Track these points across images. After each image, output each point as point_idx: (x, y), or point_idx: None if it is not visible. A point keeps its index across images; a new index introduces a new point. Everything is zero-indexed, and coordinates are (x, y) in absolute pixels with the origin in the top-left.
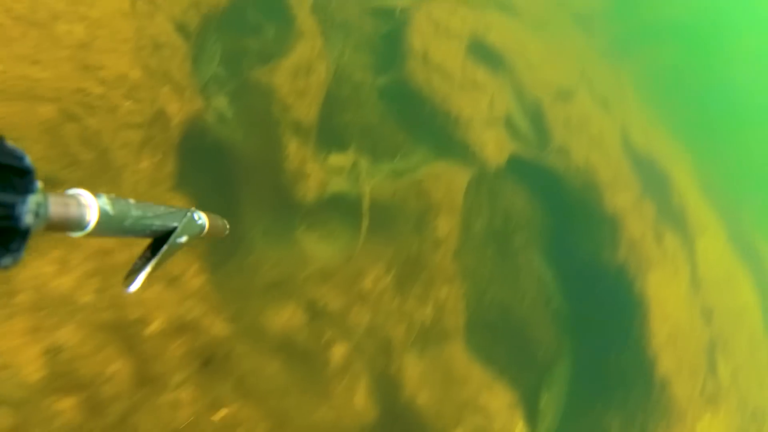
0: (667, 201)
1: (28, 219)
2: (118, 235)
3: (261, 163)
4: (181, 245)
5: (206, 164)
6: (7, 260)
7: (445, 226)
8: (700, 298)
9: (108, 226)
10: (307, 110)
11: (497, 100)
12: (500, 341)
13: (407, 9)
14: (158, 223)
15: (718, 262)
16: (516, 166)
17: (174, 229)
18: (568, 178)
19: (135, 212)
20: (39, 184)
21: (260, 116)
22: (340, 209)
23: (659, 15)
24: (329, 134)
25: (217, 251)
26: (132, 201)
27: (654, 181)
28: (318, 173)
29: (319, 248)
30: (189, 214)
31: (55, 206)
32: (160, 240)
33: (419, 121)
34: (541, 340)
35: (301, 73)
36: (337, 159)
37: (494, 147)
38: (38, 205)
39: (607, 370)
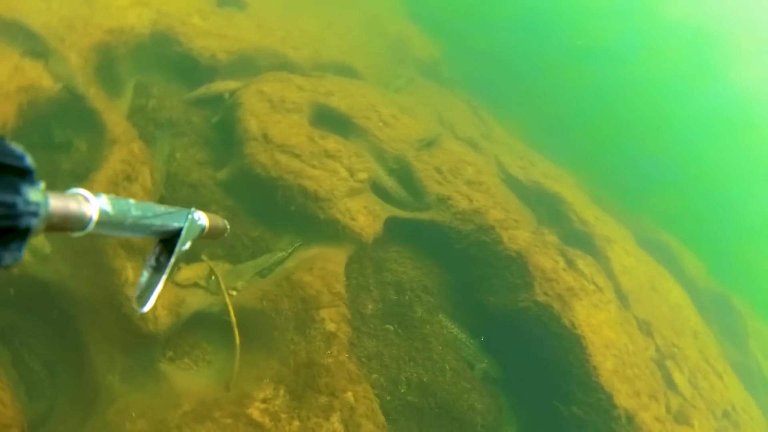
0: (567, 224)
1: (28, 219)
2: (118, 235)
3: (98, 298)
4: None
5: (36, 313)
6: (7, 260)
7: (332, 317)
8: (632, 312)
9: (108, 225)
10: None
11: (356, 166)
12: (432, 426)
13: (235, 91)
14: (158, 223)
15: (636, 269)
16: (395, 230)
17: (173, 230)
18: (456, 227)
19: (135, 212)
20: (39, 184)
21: (83, 244)
22: (204, 328)
23: (497, 45)
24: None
25: (74, 408)
26: (132, 201)
27: (546, 208)
28: (168, 293)
29: (190, 379)
30: (189, 214)
31: (55, 206)
32: (163, 247)
33: (275, 209)
34: (476, 411)
35: (122, 183)
36: (189, 272)
37: (366, 216)
38: (38, 204)
39: (561, 423)
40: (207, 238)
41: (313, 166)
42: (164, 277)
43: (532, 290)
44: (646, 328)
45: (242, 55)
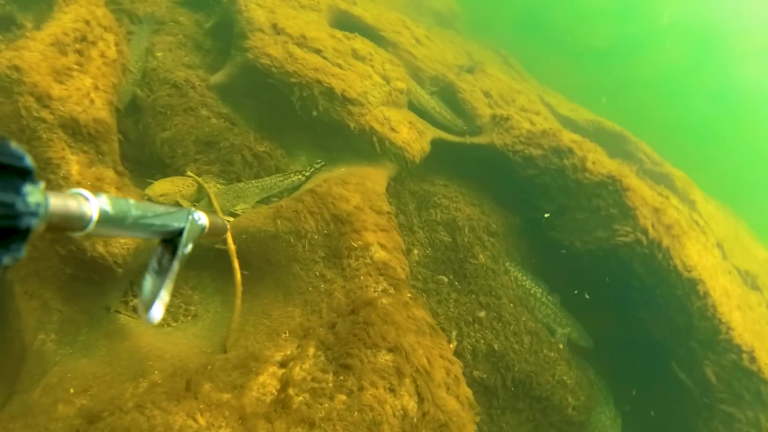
0: (638, 163)
1: (28, 219)
2: (118, 235)
3: None
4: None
5: None
6: (7, 259)
7: (382, 243)
8: (730, 262)
9: (108, 225)
10: (91, 109)
11: (391, 74)
12: (506, 410)
13: None
14: (158, 223)
15: (718, 217)
16: (441, 158)
17: (174, 230)
18: (521, 152)
19: (135, 212)
20: (40, 184)
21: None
22: (187, 266)
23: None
24: (150, 151)
25: None
26: (132, 201)
27: (611, 147)
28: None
29: (164, 339)
30: (189, 214)
31: (55, 206)
32: (164, 248)
33: (288, 117)
34: (566, 386)
35: (73, 44)
36: (166, 185)
37: (409, 129)
38: (38, 204)
39: (678, 394)
40: (207, 238)
41: (339, 66)
42: (169, 282)
43: (634, 221)
44: (751, 281)
45: None
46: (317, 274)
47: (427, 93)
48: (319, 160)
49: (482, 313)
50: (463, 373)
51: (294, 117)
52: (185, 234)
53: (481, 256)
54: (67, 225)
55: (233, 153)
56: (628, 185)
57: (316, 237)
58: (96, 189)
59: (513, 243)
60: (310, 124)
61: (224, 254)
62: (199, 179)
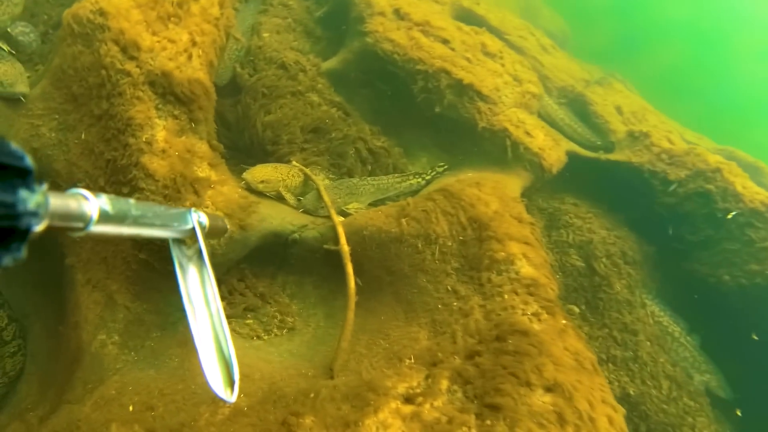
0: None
1: (28, 219)
2: (119, 235)
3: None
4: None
5: None
6: (7, 260)
7: (527, 256)
8: None
9: (108, 225)
10: (186, 67)
11: (523, 75)
12: None
13: None
14: (158, 223)
15: None
16: (572, 174)
17: (177, 229)
18: (662, 172)
19: (135, 212)
20: (41, 185)
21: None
22: (286, 268)
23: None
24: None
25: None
26: (132, 201)
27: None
28: (226, 192)
29: (252, 354)
30: (189, 213)
31: (56, 206)
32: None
33: (409, 111)
34: None
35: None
36: (266, 171)
37: (545, 136)
38: (38, 205)
39: None
40: (208, 237)
41: (468, 60)
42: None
43: None
44: None
45: None
46: (449, 288)
47: (556, 103)
48: (442, 163)
49: (617, 351)
50: None
51: (415, 112)
52: (200, 234)
53: (617, 285)
54: (67, 225)
55: (346, 145)
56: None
57: (450, 244)
58: (185, 162)
59: (649, 274)
60: (433, 121)
61: (333, 257)
62: (306, 170)
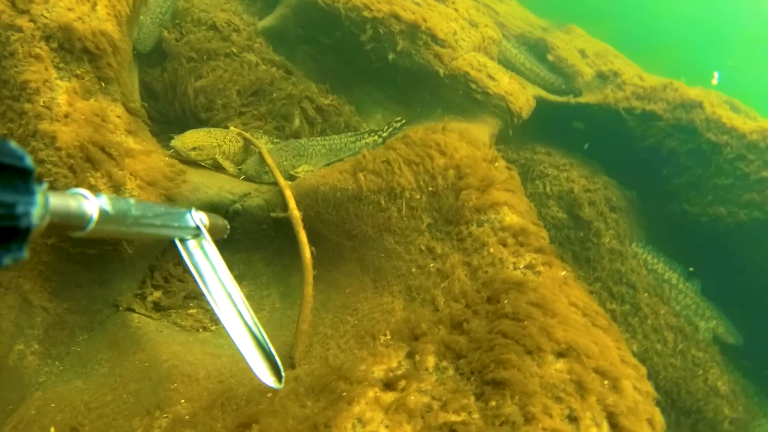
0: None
1: (28, 219)
2: (118, 235)
3: None
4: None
5: None
6: (7, 260)
7: (510, 204)
8: None
9: (108, 224)
10: (89, 18)
11: (478, 19)
12: None
13: None
14: (158, 223)
15: None
16: (540, 122)
17: (177, 229)
18: (639, 110)
19: (135, 212)
20: (41, 185)
21: None
22: (229, 243)
23: None
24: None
25: None
26: (132, 201)
27: None
28: (150, 161)
29: (196, 349)
30: (189, 214)
31: (56, 206)
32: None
33: (357, 64)
34: (719, 394)
35: None
36: (198, 136)
37: (510, 79)
38: (39, 205)
39: None
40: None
41: (417, 4)
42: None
43: None
44: None
45: None
46: (422, 248)
47: (515, 48)
48: (399, 118)
49: (614, 306)
50: None
51: (364, 65)
52: (204, 230)
53: (605, 235)
54: (67, 225)
55: (291, 106)
56: None
57: (418, 197)
58: (95, 127)
59: (635, 221)
60: (385, 73)
61: (283, 227)
62: (245, 133)
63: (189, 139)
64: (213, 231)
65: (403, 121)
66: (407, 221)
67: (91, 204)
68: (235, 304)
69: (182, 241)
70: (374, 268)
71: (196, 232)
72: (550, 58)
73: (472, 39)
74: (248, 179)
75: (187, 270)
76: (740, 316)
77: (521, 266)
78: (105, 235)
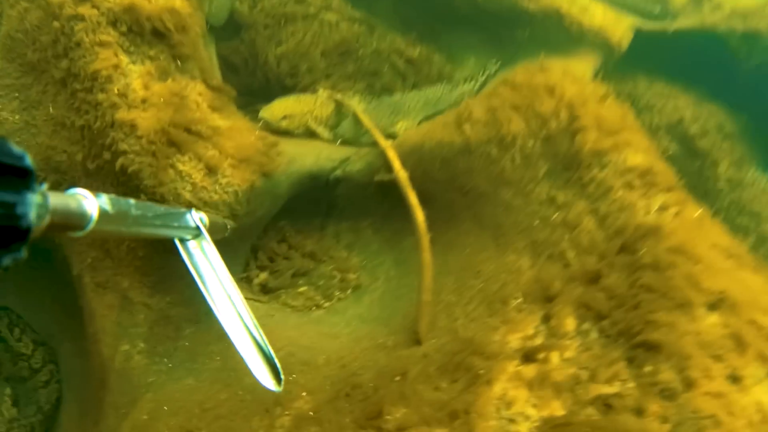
0: None
1: (28, 219)
2: (118, 235)
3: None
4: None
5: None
6: (7, 260)
7: (633, 144)
8: None
9: (108, 225)
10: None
11: None
12: None
13: None
14: (159, 223)
15: None
16: (636, 53)
17: (178, 228)
18: (741, 31)
19: (135, 212)
20: (41, 185)
21: None
22: (335, 214)
23: None
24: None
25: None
26: (132, 201)
27: None
28: (242, 136)
29: (315, 327)
30: (189, 214)
31: (56, 205)
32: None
33: (444, 11)
34: None
35: None
36: (286, 105)
37: (603, 11)
38: (39, 205)
39: None
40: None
41: None
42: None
43: None
44: None
45: None
46: (543, 198)
47: None
48: (494, 61)
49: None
50: None
51: (449, 11)
52: (204, 230)
53: (723, 163)
54: (68, 224)
55: (379, 62)
56: None
57: (531, 143)
58: (175, 107)
59: (749, 146)
60: (475, 16)
61: (389, 190)
62: (337, 95)
63: (278, 109)
64: (213, 231)
65: (498, 63)
66: (523, 171)
67: (91, 203)
68: (234, 306)
69: (182, 241)
70: (493, 225)
71: (197, 233)
72: None
73: None
74: (345, 143)
75: (291, 246)
76: None
77: (654, 209)
78: (105, 235)
